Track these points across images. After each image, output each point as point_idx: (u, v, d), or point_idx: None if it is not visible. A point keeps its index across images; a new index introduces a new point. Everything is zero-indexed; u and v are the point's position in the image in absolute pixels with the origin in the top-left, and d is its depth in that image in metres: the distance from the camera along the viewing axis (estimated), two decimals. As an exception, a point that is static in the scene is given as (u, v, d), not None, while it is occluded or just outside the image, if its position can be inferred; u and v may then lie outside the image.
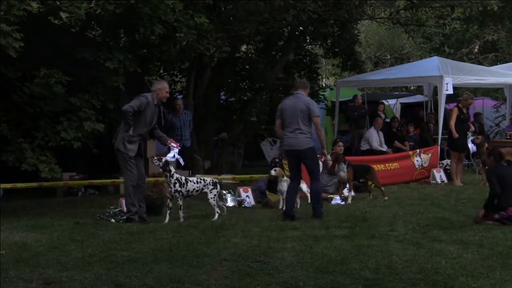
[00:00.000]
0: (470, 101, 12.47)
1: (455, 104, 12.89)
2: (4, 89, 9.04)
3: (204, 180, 8.60)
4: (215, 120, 14.20)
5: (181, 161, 8.64)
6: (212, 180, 8.64)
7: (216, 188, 8.54)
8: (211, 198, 8.45)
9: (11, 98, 8.91)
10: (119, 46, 10.15)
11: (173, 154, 8.49)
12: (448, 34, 23.88)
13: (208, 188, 8.48)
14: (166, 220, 8.23)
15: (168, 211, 8.37)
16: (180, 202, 8.38)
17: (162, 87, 8.50)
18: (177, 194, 8.35)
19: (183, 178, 8.50)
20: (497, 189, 7.70)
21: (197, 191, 8.50)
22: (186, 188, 8.39)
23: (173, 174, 8.35)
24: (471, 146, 12.45)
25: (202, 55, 12.18)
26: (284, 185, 9.26)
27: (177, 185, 8.34)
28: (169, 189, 8.42)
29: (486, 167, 8.19)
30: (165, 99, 8.74)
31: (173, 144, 8.54)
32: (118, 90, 9.43)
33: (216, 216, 8.37)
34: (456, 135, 12.07)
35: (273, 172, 9.44)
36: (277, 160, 10.07)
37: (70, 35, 10.70)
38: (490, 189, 7.83)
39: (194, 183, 8.48)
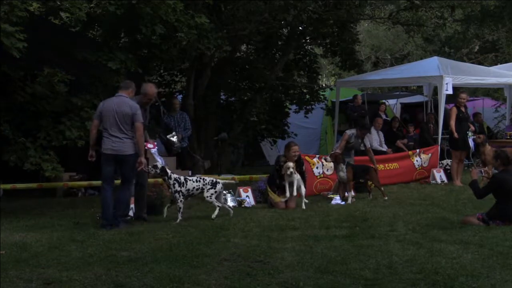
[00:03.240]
0: (464, 96, 12.45)
1: (454, 104, 12.89)
2: (6, 89, 9.05)
3: (203, 179, 8.64)
4: (215, 120, 14.20)
5: (159, 160, 8.68)
6: (212, 180, 8.65)
7: (214, 188, 8.54)
8: (207, 196, 8.47)
9: (13, 97, 8.92)
10: (119, 46, 10.16)
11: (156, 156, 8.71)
12: (450, 36, 23.89)
13: (206, 187, 8.50)
14: (164, 215, 8.32)
15: (166, 207, 8.46)
16: (180, 205, 8.34)
17: (145, 93, 8.38)
18: (177, 194, 8.35)
19: (182, 177, 8.51)
20: (482, 195, 7.81)
21: (197, 189, 8.51)
22: (186, 187, 8.41)
23: (170, 175, 8.38)
24: (472, 145, 12.46)
25: (202, 55, 12.18)
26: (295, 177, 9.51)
27: (176, 185, 8.36)
28: (170, 190, 8.44)
29: (491, 171, 8.13)
30: (150, 102, 8.65)
31: (149, 145, 8.62)
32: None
33: (217, 211, 8.36)
34: (457, 135, 12.07)
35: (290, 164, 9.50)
36: (282, 160, 10.04)
37: (72, 35, 10.70)
38: (482, 191, 7.86)
39: (194, 181, 8.52)
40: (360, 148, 11.39)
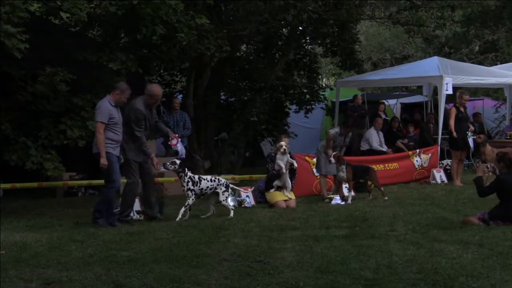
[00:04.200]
0: (465, 97, 12.46)
1: (453, 103, 12.89)
2: (7, 88, 9.06)
3: (218, 179, 8.75)
4: (215, 120, 14.22)
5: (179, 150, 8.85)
6: (226, 182, 8.79)
7: (228, 190, 8.73)
8: (223, 200, 8.60)
9: (14, 97, 8.93)
10: (120, 46, 10.16)
11: (179, 145, 8.83)
12: (449, 37, 23.87)
13: (221, 189, 8.62)
14: (186, 217, 8.39)
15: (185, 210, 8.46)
16: (190, 202, 8.40)
17: (151, 93, 8.40)
18: (189, 192, 8.40)
19: (196, 176, 8.59)
20: (485, 193, 7.78)
21: (211, 189, 8.59)
22: (199, 186, 8.47)
23: (187, 173, 8.47)
24: (472, 145, 12.46)
25: (202, 55, 12.18)
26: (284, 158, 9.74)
27: (190, 183, 8.42)
28: (183, 188, 8.46)
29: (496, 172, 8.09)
30: (156, 103, 8.75)
31: (173, 142, 8.85)
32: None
33: (232, 213, 8.52)
34: (455, 135, 12.08)
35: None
36: (273, 154, 10.10)
37: (72, 36, 10.71)
38: (485, 189, 7.84)
39: (208, 181, 8.60)
40: (359, 148, 11.46)
